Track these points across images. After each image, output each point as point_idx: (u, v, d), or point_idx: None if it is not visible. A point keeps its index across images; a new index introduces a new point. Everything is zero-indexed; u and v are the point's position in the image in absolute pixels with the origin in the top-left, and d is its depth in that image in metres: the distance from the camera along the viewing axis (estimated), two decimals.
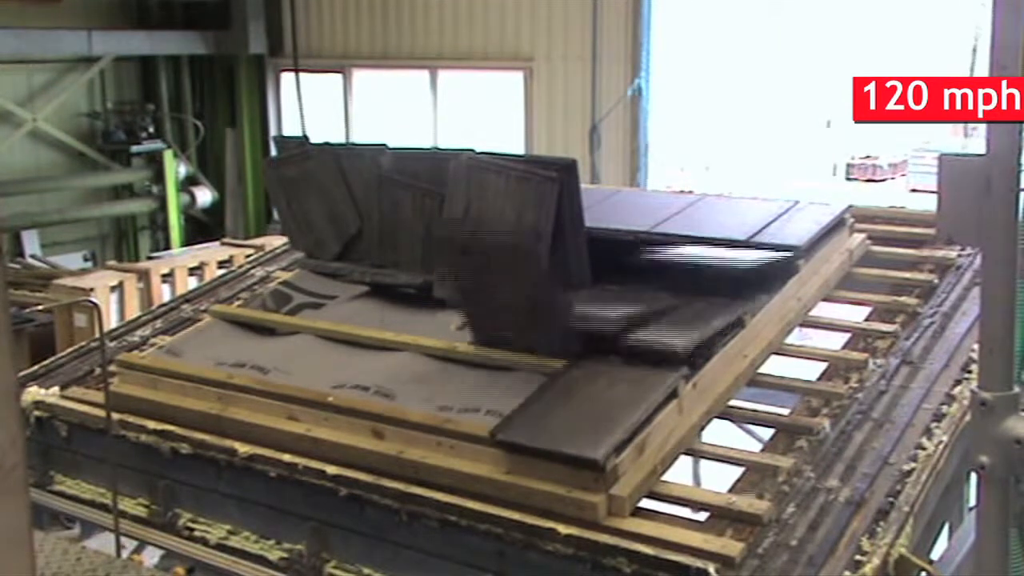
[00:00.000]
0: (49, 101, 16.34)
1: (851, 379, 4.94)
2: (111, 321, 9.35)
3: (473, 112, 15.05)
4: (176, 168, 17.13)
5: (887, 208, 7.06)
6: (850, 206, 6.42)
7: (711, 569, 3.66)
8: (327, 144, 6.59)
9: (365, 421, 4.58)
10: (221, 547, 4.76)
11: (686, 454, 4.53)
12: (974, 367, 4.16)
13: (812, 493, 4.10)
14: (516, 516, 4.01)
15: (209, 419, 4.92)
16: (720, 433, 4.89)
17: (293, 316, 5.86)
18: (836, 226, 6.07)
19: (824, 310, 5.81)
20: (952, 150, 5.88)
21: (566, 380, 4.63)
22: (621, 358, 4.69)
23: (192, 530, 4.89)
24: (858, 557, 3.72)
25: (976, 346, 3.51)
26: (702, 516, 4.08)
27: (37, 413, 5.40)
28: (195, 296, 6.83)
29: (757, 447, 4.84)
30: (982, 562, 3.39)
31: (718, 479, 4.75)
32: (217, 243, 13.44)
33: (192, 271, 11.93)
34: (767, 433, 4.82)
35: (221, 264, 11.61)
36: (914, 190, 12.90)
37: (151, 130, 17.28)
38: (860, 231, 6.40)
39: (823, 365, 5.18)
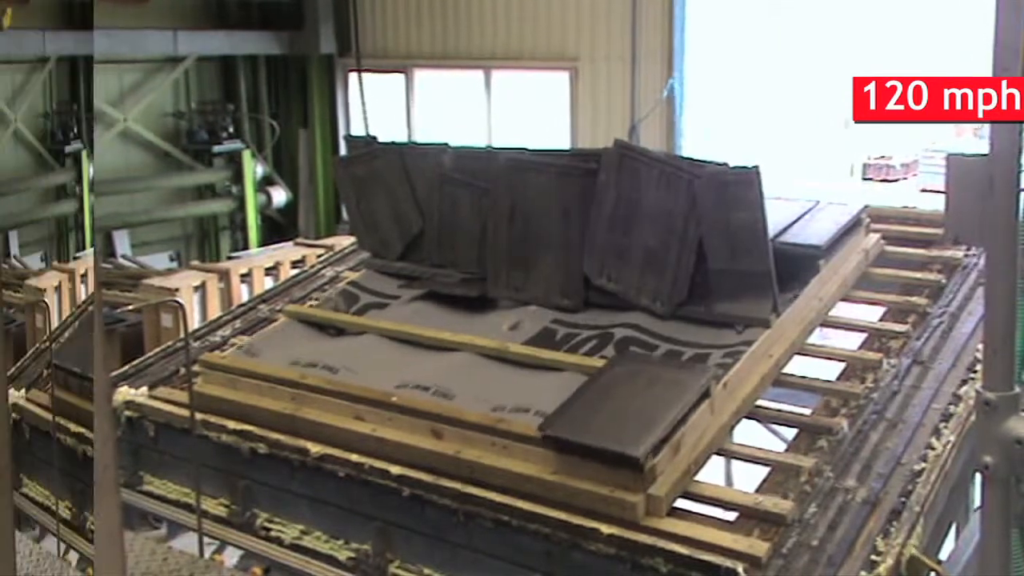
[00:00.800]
0: (138, 101, 16.08)
1: (867, 379, 4.90)
2: (194, 320, 9.39)
3: (524, 112, 14.89)
4: (254, 168, 16.92)
5: (899, 208, 6.98)
6: (866, 206, 6.33)
7: (740, 569, 3.63)
8: (393, 143, 6.58)
9: (425, 421, 4.55)
10: (295, 547, 4.70)
11: (717, 454, 4.48)
12: (979, 367, 4.09)
13: (831, 493, 4.07)
14: (563, 516, 3.97)
15: (283, 419, 4.86)
16: (746, 432, 4.87)
17: (360, 316, 5.88)
18: (853, 226, 6.01)
19: (842, 309, 5.75)
20: (958, 150, 5.75)
21: (607, 379, 4.59)
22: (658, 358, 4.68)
23: (268, 530, 4.83)
24: (873, 557, 3.70)
25: (981, 346, 3.45)
26: (731, 515, 4.03)
27: (128, 413, 5.31)
28: (271, 296, 6.82)
29: (780, 445, 4.80)
30: (986, 562, 3.32)
31: (740, 477, 4.71)
32: (291, 243, 13.34)
33: (268, 271, 11.84)
34: (788, 431, 4.79)
35: (295, 264, 11.52)
36: (924, 190, 12.68)
37: (231, 130, 16.97)
38: (874, 231, 6.34)
39: (841, 365, 5.13)
